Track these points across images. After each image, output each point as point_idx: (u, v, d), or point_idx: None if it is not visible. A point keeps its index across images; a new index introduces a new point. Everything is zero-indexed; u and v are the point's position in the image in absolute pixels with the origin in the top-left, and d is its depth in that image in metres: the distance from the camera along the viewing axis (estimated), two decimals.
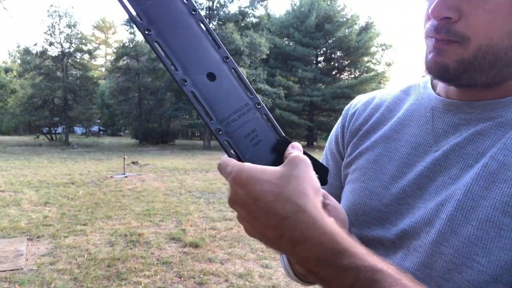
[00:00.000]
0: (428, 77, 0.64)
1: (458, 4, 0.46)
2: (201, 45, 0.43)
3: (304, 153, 0.45)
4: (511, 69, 0.50)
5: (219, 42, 0.44)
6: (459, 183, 0.50)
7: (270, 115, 0.46)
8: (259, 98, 0.46)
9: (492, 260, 0.44)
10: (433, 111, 0.58)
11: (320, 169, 0.46)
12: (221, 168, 0.43)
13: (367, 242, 0.57)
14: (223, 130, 0.43)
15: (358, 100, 0.73)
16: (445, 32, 0.48)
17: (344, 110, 0.74)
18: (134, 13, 0.41)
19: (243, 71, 23.92)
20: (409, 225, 0.53)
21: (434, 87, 0.62)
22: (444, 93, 0.58)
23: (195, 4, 0.44)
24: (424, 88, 0.63)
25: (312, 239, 0.38)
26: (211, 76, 0.44)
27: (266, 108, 0.46)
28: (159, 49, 0.42)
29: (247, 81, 0.46)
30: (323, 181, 0.45)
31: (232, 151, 0.44)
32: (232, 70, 0.45)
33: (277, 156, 0.46)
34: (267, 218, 0.39)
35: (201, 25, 0.44)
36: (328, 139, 0.77)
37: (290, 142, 0.46)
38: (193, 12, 0.44)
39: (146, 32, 0.41)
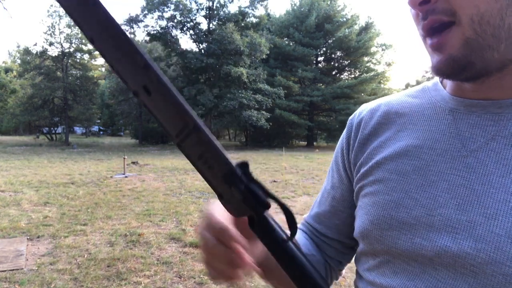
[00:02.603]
0: (436, 79, 0.60)
1: None
2: None
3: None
4: None
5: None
6: (509, 193, 0.45)
7: None
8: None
9: None
10: (454, 113, 0.53)
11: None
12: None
13: (397, 258, 0.53)
14: None
15: (363, 109, 0.68)
16: (431, 14, 0.46)
17: (348, 121, 0.70)
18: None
19: (243, 71, 23.97)
20: (453, 242, 0.47)
21: (444, 88, 0.58)
22: (459, 93, 0.54)
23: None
24: (435, 90, 0.59)
25: None
26: None
27: None
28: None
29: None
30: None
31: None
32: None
33: None
34: None
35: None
36: (334, 153, 0.72)
37: None
38: None
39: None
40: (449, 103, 0.55)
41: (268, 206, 0.38)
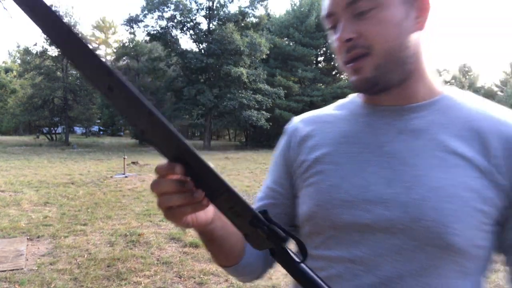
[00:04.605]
0: (352, 95, 0.78)
1: (355, 28, 0.62)
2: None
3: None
4: (409, 66, 0.65)
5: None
6: (419, 169, 0.62)
7: None
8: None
9: (465, 226, 0.58)
10: (369, 116, 0.70)
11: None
12: None
13: (341, 231, 0.65)
14: None
15: (297, 118, 0.83)
16: (354, 48, 0.63)
17: (284, 129, 0.84)
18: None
19: (243, 71, 23.98)
20: (387, 209, 0.61)
21: (361, 99, 0.75)
22: (372, 102, 0.71)
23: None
24: (351, 103, 0.76)
25: None
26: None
27: None
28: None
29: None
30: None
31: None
32: None
33: None
34: None
35: None
36: (274, 156, 0.85)
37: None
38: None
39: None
40: (365, 109, 0.72)
41: (287, 240, 0.49)
